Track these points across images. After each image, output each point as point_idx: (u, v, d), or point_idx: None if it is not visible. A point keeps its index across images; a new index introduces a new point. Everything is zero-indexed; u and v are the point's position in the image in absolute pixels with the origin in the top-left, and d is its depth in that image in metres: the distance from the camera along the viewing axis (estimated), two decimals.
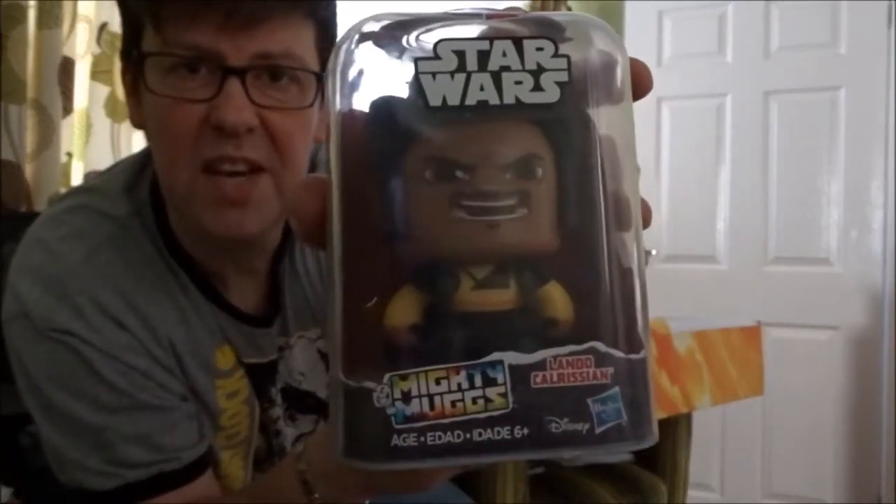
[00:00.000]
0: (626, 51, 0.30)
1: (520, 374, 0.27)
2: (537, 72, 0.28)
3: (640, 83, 0.31)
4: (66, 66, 1.72)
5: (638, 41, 2.93)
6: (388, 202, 0.27)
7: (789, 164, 2.77)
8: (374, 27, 0.28)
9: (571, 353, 0.27)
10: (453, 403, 0.27)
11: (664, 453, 1.77)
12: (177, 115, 0.66)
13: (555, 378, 0.27)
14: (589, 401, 0.27)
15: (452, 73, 0.27)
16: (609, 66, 0.30)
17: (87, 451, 0.72)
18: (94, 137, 1.77)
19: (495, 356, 0.27)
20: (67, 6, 1.70)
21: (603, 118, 0.29)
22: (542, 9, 2.89)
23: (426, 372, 0.27)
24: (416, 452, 0.26)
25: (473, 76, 0.28)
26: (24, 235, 0.77)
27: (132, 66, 0.72)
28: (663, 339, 1.51)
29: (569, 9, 3.01)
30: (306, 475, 0.64)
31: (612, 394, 0.27)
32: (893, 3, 2.62)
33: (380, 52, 0.28)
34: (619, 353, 0.28)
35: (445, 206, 0.27)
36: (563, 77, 0.28)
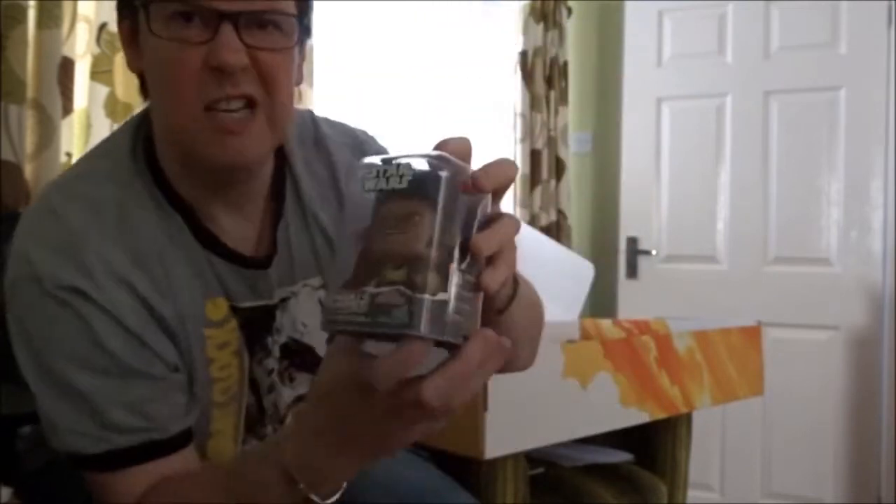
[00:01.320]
0: (463, 168, 0.55)
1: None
2: (416, 175, 0.55)
3: (483, 181, 0.55)
4: (66, 66, 1.72)
5: (638, 41, 2.93)
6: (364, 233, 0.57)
7: (789, 164, 2.77)
8: (363, 161, 0.58)
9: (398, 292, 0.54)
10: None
11: (664, 453, 1.77)
12: (180, 58, 0.73)
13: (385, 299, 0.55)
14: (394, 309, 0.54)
15: (377, 176, 0.56)
16: (455, 176, 0.55)
17: (78, 415, 0.76)
18: (93, 137, 1.77)
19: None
20: (67, 6, 1.70)
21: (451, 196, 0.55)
22: (542, 9, 2.89)
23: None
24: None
25: (389, 177, 0.56)
26: (30, 205, 0.80)
27: (131, 15, 0.78)
28: (663, 339, 1.51)
29: (569, 9, 3.01)
30: (287, 465, 0.66)
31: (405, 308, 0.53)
32: (893, 3, 2.63)
33: (360, 169, 0.58)
34: (419, 295, 0.53)
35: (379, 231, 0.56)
36: (426, 177, 0.55)
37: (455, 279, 0.53)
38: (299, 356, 0.91)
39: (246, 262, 0.85)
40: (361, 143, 0.94)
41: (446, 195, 0.53)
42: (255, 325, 0.87)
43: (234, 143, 0.75)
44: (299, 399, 0.92)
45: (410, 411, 0.57)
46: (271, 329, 0.88)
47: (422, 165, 0.54)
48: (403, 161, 0.55)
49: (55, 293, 0.75)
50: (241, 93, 0.74)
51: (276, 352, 0.89)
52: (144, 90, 0.82)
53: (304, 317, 0.90)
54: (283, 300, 0.88)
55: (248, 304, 0.86)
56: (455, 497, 1.04)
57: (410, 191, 0.54)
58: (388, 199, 0.55)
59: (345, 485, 0.69)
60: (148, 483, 0.77)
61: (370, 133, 0.98)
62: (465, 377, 0.55)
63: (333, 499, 0.68)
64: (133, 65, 0.80)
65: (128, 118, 0.88)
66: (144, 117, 0.85)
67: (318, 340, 0.91)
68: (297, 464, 0.66)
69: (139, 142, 0.83)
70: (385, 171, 0.55)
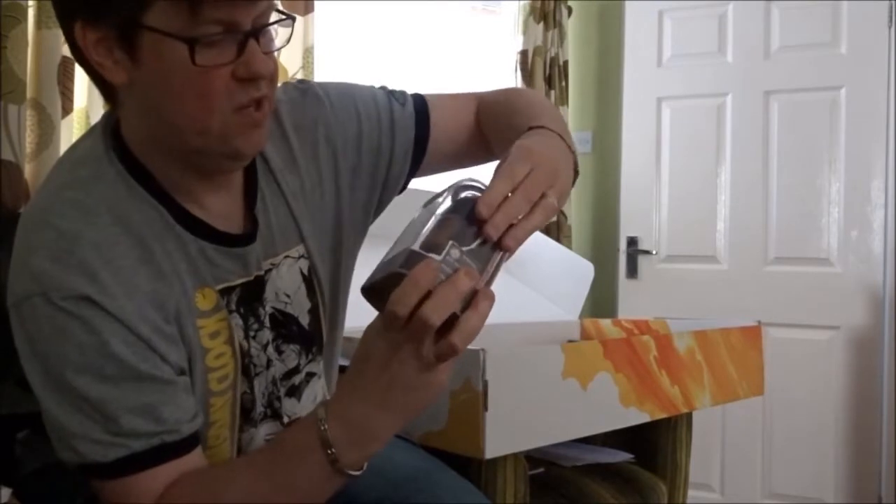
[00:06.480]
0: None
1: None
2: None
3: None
4: (66, 66, 1.72)
5: (638, 41, 2.93)
6: None
7: (789, 164, 2.77)
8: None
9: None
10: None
11: (664, 453, 1.77)
12: (213, 76, 0.78)
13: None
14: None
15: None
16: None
17: (92, 423, 0.77)
18: None
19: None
20: None
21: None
22: (542, 9, 2.89)
23: None
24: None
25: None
26: (21, 219, 0.82)
27: (117, 28, 0.77)
28: (663, 339, 1.51)
29: (569, 9, 3.01)
30: (326, 434, 0.73)
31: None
32: (893, 3, 2.63)
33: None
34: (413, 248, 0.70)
35: None
36: None
37: (449, 251, 0.69)
38: (285, 327, 0.94)
39: (234, 241, 0.88)
40: (307, 90, 0.99)
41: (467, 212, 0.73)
42: (249, 297, 0.90)
43: (256, 135, 0.83)
44: (290, 374, 0.95)
45: (422, 346, 0.68)
46: (262, 300, 0.92)
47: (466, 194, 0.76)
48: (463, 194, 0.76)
49: (62, 305, 0.75)
50: (263, 95, 0.81)
51: (267, 322, 0.92)
52: (112, 97, 0.84)
53: (285, 288, 0.94)
54: (267, 271, 0.92)
55: (241, 280, 0.89)
56: (444, 476, 1.06)
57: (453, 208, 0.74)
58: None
59: (365, 465, 0.76)
60: (163, 485, 0.79)
61: (305, 81, 1.03)
62: (451, 293, 0.66)
63: (357, 473, 0.75)
64: (120, 78, 0.80)
65: (92, 127, 0.90)
66: (108, 123, 0.87)
67: (299, 310, 0.96)
68: (338, 417, 0.73)
69: (110, 145, 0.85)
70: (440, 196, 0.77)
